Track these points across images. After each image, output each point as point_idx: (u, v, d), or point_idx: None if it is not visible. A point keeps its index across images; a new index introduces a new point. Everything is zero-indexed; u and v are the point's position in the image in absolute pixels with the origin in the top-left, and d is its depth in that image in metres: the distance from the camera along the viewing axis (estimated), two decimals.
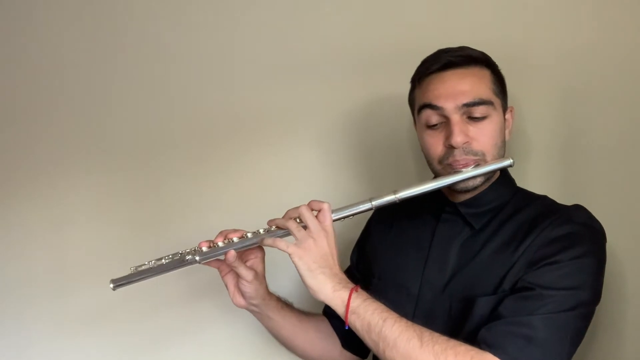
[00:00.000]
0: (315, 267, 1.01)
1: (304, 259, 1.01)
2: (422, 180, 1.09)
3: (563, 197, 1.14)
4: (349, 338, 1.21)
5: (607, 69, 1.27)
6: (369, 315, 0.98)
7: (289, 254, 1.02)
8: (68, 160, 1.61)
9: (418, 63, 1.14)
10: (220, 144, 1.56)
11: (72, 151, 1.61)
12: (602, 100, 1.27)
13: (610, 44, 1.27)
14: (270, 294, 1.19)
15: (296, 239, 1.03)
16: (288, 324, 1.22)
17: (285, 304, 1.23)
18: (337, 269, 1.04)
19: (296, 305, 1.27)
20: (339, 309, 1.00)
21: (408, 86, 1.17)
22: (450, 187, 1.08)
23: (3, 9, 1.65)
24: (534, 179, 1.31)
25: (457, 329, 1.03)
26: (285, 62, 1.52)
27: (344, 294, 1.00)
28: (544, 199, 1.13)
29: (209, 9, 1.56)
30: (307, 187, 1.52)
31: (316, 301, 1.03)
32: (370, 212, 1.30)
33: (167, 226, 1.57)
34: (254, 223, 1.47)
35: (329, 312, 1.23)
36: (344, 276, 1.04)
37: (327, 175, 1.52)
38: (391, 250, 1.20)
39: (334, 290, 1.00)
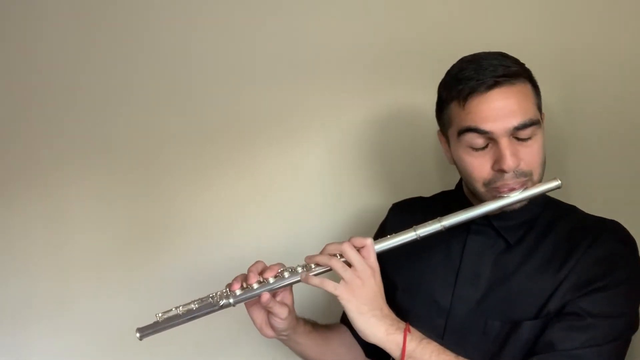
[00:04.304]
0: (365, 309, 0.97)
1: (352, 302, 0.97)
2: (444, 187, 1.09)
3: (562, 198, 1.13)
4: (371, 347, 1.19)
5: (606, 69, 1.26)
6: (426, 359, 0.96)
7: (337, 296, 0.97)
8: (68, 162, 1.59)
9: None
10: (222, 145, 1.54)
11: (73, 153, 1.59)
12: (600, 101, 1.27)
13: (609, 45, 1.26)
14: (298, 320, 1.14)
15: (342, 278, 0.98)
16: (315, 345, 1.19)
17: (313, 326, 1.19)
18: (387, 309, 1.00)
19: (307, 314, 1.24)
20: (394, 353, 0.97)
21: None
22: None
23: (3, 11, 1.61)
24: None
25: (495, 348, 1.03)
26: (292, 62, 1.50)
27: (399, 337, 0.97)
28: (574, 210, 1.12)
29: (211, 10, 1.51)
30: (313, 189, 1.52)
31: (327, 307, 1.03)
32: (382, 217, 1.31)
33: (168, 227, 1.56)
34: (256, 225, 1.51)
35: (347, 322, 1.20)
36: (393, 315, 1.00)
37: (334, 177, 1.51)
38: (415, 260, 1.16)
39: (387, 334, 0.97)
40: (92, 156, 1.58)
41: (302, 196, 1.52)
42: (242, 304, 1.07)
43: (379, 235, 1.26)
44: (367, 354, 1.23)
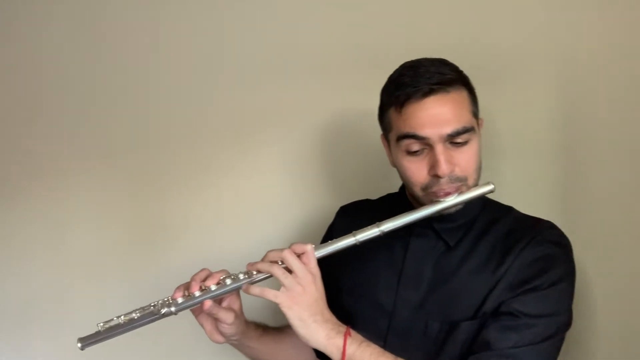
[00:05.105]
0: (306, 316, 0.98)
1: (294, 309, 0.98)
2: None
3: (563, 199, 1.20)
4: None
5: (606, 70, 1.28)
6: None
7: (278, 304, 0.98)
8: (68, 163, 1.60)
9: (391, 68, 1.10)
10: (221, 146, 1.55)
11: (73, 154, 1.60)
12: (600, 102, 1.29)
13: (609, 46, 1.28)
14: (248, 325, 1.15)
15: (283, 285, 0.99)
16: (266, 349, 1.20)
17: (264, 329, 1.20)
18: (328, 314, 1.01)
19: (262, 317, 1.24)
20: (335, 357, 0.99)
21: (374, 92, 1.12)
22: None
23: (6, 13, 1.62)
24: (532, 181, 1.34)
25: (434, 349, 1.05)
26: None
27: (339, 341, 0.98)
28: (512, 211, 1.15)
29: (206, 10, 1.54)
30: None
31: (277, 310, 1.01)
32: (326, 222, 1.33)
33: (168, 227, 1.57)
34: (249, 224, 1.55)
35: None
36: (334, 319, 1.02)
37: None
38: (360, 263, 1.18)
39: (328, 338, 0.98)
40: (91, 157, 1.59)
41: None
42: (188, 312, 1.07)
43: (327, 238, 1.28)
44: (318, 354, 1.23)
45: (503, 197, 1.18)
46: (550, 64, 1.33)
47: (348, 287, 1.18)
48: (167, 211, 1.57)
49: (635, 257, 1.26)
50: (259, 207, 1.54)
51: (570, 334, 1.06)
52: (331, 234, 1.27)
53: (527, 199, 1.30)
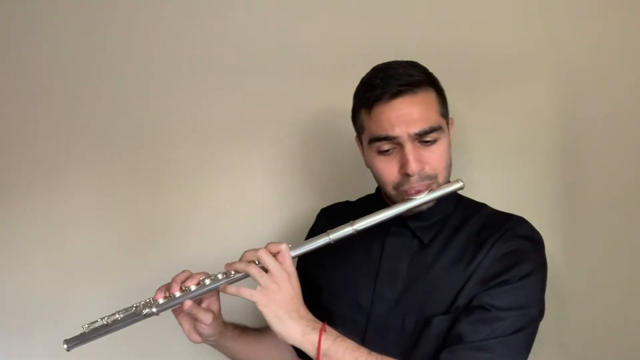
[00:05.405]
0: (282, 313, 1.01)
1: (269, 307, 1.01)
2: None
3: (563, 198, 1.22)
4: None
5: (604, 72, 1.30)
6: (340, 356, 1.00)
7: (255, 302, 1.01)
8: (68, 163, 1.62)
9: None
10: (221, 147, 1.57)
11: (73, 154, 1.62)
12: (600, 102, 1.30)
13: (607, 47, 1.29)
14: (226, 326, 1.17)
15: (259, 284, 1.02)
16: (246, 348, 1.23)
17: (242, 330, 1.23)
18: (303, 311, 1.04)
19: (247, 318, 1.27)
20: (311, 353, 1.01)
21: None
22: None
23: (7, 12, 1.64)
24: (532, 179, 1.36)
25: (410, 344, 1.08)
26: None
27: (314, 337, 1.01)
28: (485, 208, 1.17)
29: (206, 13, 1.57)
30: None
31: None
32: (311, 223, 1.35)
33: (169, 227, 1.59)
34: (243, 226, 1.56)
35: None
36: (310, 316, 1.04)
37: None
38: (340, 264, 1.20)
39: (303, 334, 1.01)
40: (91, 157, 1.61)
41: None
42: (169, 312, 1.10)
43: None
44: (299, 354, 1.26)
45: (503, 198, 1.21)
46: (549, 66, 1.35)
47: (328, 286, 1.21)
48: (167, 211, 1.59)
49: (630, 257, 1.29)
50: (257, 208, 1.56)
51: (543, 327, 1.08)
52: (312, 236, 1.29)
53: (526, 200, 1.34)
